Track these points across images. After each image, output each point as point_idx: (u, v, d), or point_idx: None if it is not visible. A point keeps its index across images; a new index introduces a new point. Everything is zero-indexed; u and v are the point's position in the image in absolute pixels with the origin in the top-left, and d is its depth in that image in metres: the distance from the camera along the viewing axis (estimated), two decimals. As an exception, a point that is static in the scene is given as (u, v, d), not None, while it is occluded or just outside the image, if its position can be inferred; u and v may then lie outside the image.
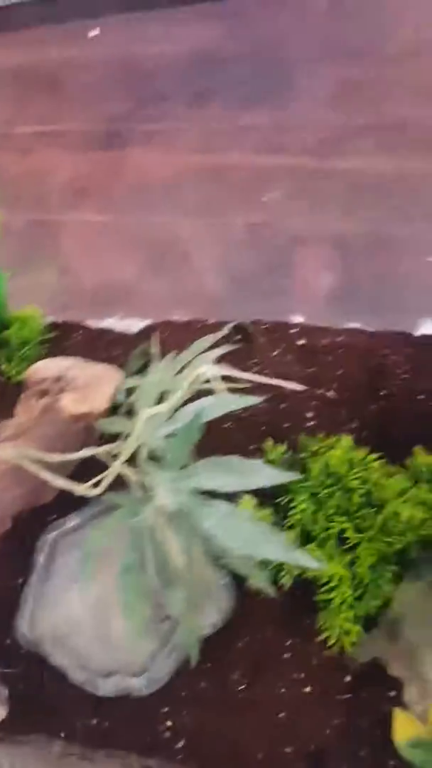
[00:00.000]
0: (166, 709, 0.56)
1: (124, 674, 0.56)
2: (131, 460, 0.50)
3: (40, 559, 0.61)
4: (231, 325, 0.65)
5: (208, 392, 0.56)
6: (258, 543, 0.41)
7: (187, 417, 0.48)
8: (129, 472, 0.49)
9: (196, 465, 0.43)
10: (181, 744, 0.55)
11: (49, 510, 0.63)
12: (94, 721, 0.57)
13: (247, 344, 0.67)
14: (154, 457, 0.47)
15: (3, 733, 0.56)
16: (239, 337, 0.67)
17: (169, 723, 0.55)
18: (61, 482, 0.51)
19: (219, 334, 0.53)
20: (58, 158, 0.82)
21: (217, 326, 0.67)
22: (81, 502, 0.62)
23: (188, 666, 0.56)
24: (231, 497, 0.46)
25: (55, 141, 0.83)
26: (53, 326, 0.69)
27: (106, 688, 0.56)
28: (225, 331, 0.56)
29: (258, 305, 0.73)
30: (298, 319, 0.72)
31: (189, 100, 0.92)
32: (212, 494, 0.44)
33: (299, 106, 0.92)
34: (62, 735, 0.57)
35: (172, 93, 0.93)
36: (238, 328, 0.68)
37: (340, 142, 0.87)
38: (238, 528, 0.41)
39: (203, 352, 0.53)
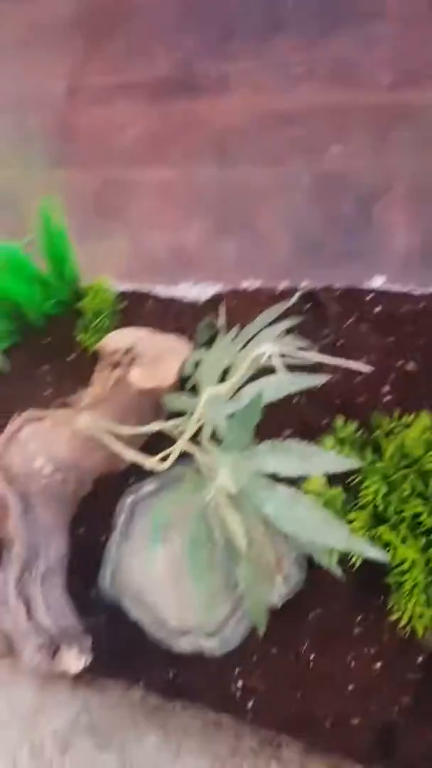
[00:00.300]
0: (237, 670, 0.58)
1: (198, 634, 0.58)
2: (195, 438, 0.49)
3: (120, 520, 0.64)
4: (300, 293, 0.62)
5: (272, 370, 0.54)
6: (320, 530, 0.40)
7: (249, 397, 0.47)
8: (193, 450, 0.49)
9: (256, 448, 0.42)
10: (250, 704, 0.57)
11: (127, 474, 0.65)
12: (171, 675, 0.60)
13: (318, 313, 0.63)
14: (216, 437, 0.46)
15: (87, 678, 0.61)
16: (309, 305, 0.63)
17: (240, 683, 0.58)
18: (131, 455, 0.52)
19: (287, 304, 0.51)
20: (128, 110, 0.79)
21: (286, 294, 0.63)
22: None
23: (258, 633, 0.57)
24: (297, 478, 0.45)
25: (125, 92, 0.79)
26: (124, 296, 0.69)
27: (182, 645, 0.59)
28: (294, 300, 0.53)
29: (330, 269, 0.67)
30: (374, 283, 0.66)
31: (259, 41, 0.84)
32: (276, 476, 0.43)
33: (376, 39, 0.81)
34: (141, 684, 0.61)
35: (242, 33, 0.85)
36: (309, 296, 0.64)
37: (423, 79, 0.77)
38: (299, 515, 0.40)
39: (270, 324, 0.50)
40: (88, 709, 0.63)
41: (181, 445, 0.47)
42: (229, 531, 0.47)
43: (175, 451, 0.48)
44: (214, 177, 0.77)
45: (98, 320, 0.65)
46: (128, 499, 0.65)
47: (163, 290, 0.69)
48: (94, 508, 0.67)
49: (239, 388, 0.47)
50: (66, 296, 0.67)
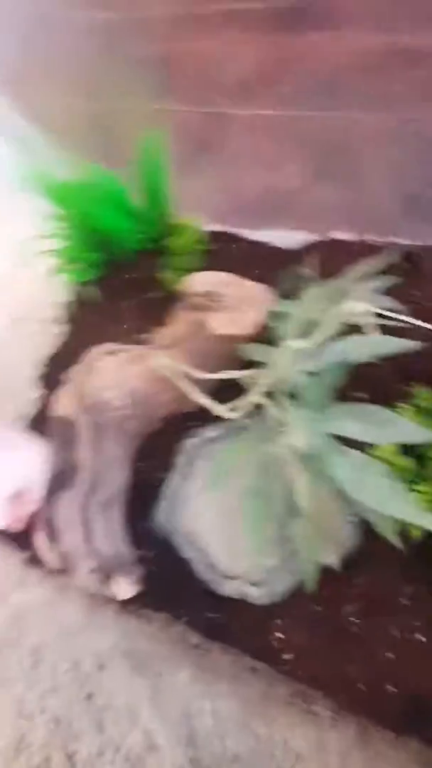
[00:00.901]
0: (278, 622, 0.59)
1: (244, 581, 0.59)
2: (269, 391, 0.48)
3: (180, 461, 0.65)
4: (397, 249, 0.58)
5: (360, 329, 0.52)
6: (387, 500, 0.39)
7: (332, 356, 0.45)
8: (266, 403, 0.48)
9: (333, 409, 0.41)
10: (287, 656, 0.58)
11: (192, 417, 0.65)
12: (213, 616, 0.61)
13: (412, 272, 0.59)
14: (292, 393, 0.45)
15: (133, 607, 0.63)
16: (407, 264, 0.59)
17: (279, 635, 0.58)
18: (201, 399, 0.52)
19: (383, 260, 0.48)
20: (235, 42, 0.74)
21: (381, 249, 0.59)
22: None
23: (305, 589, 0.57)
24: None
25: (233, 22, 0.74)
26: (212, 236, 0.67)
27: (227, 589, 0.60)
28: (391, 257, 0.49)
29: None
30: None
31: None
32: (348, 440, 0.41)
33: None
34: (184, 620, 0.63)
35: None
36: (408, 255, 0.60)
37: None
38: (369, 481, 0.39)
39: (362, 280, 0.48)
40: (129, 635, 0.65)
41: (254, 396, 0.46)
42: (291, 486, 0.46)
43: (246, 401, 0.47)
44: (320, 119, 0.72)
45: (182, 259, 0.64)
46: (190, 442, 0.66)
47: (251, 234, 0.67)
48: (157, 446, 0.68)
49: (323, 344, 0.45)
50: (156, 232, 0.66)
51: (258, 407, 0.49)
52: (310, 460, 0.43)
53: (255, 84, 0.73)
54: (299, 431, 0.42)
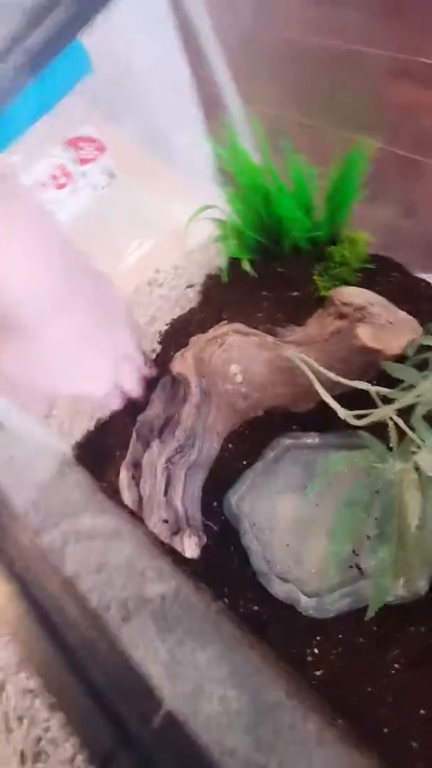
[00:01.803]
0: (318, 638, 0.58)
1: (299, 588, 0.59)
2: (402, 411, 0.49)
3: (270, 455, 0.66)
4: None
5: None
6: None
7: None
8: (398, 421, 0.48)
9: (473, 446, 0.41)
10: (318, 672, 0.57)
11: (296, 419, 0.66)
12: (256, 608, 0.62)
13: None
14: (429, 419, 0.45)
15: (186, 569, 0.64)
16: None
17: (316, 650, 0.58)
18: (329, 399, 0.52)
19: None
20: None
21: None
22: (322, 426, 0.65)
23: (357, 616, 0.56)
24: None
25: None
26: (375, 258, 0.69)
27: (278, 590, 0.60)
28: None
29: None
30: None
31: None
32: None
33: None
34: (225, 602, 0.63)
35: None
36: None
37: None
38: None
39: None
40: (168, 597, 0.66)
41: (388, 410, 0.47)
42: (398, 510, 0.46)
43: (378, 414, 0.48)
44: None
45: (340, 269, 0.66)
46: (286, 441, 0.66)
47: (414, 270, 0.68)
48: (252, 433, 0.69)
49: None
50: (324, 236, 0.68)
51: (383, 424, 0.50)
52: (429, 487, 0.43)
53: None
54: (429, 456, 0.42)
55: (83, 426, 0.79)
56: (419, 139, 0.78)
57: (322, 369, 0.55)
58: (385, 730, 0.52)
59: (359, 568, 0.58)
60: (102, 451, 0.76)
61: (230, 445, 0.69)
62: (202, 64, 0.89)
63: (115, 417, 0.78)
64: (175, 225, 0.82)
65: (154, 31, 0.90)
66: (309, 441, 0.66)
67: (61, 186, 0.95)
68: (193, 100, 0.93)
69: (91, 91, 0.86)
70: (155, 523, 0.60)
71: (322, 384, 0.55)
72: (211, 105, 0.89)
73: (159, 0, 0.87)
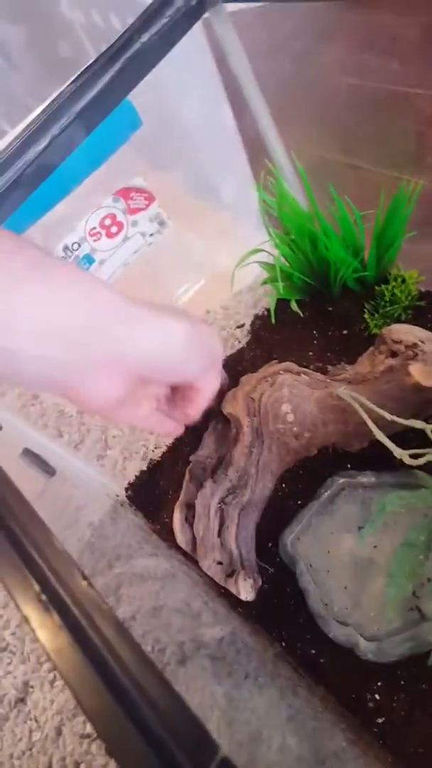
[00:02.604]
0: (380, 684, 0.59)
1: (358, 631, 0.60)
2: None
3: (325, 494, 0.67)
4: None
5: None
6: None
7: None
8: (454, 460, 0.50)
9: None
10: (380, 720, 0.57)
11: (350, 458, 0.68)
12: (313, 652, 0.62)
13: None
14: None
15: (242, 612, 0.66)
16: None
17: (377, 696, 0.58)
18: (383, 438, 0.54)
19: None
20: None
21: None
22: (376, 465, 0.66)
23: (419, 661, 0.57)
24: None
25: None
26: (425, 295, 0.71)
27: (337, 633, 0.61)
28: None
29: None
30: None
31: None
32: None
33: None
34: (283, 645, 0.64)
35: None
36: None
37: None
38: None
39: None
40: (224, 640, 0.68)
41: (444, 449, 0.48)
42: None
43: (434, 452, 0.49)
44: None
45: (391, 308, 0.68)
46: (341, 480, 0.68)
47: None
48: (305, 472, 0.71)
49: None
50: (372, 276, 0.71)
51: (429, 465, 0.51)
52: None
53: None
54: None
55: (136, 466, 0.83)
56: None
57: (374, 407, 0.57)
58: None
59: (420, 611, 0.59)
60: (155, 491, 0.79)
61: (284, 485, 0.72)
62: (245, 112, 0.95)
63: (167, 457, 0.81)
64: (223, 268, 0.87)
65: (200, 84, 0.97)
66: (364, 480, 0.67)
67: (112, 235, 1.03)
68: (239, 148, 0.99)
69: (142, 144, 0.93)
70: (210, 564, 0.63)
71: (375, 422, 0.57)
72: (256, 152, 0.94)
73: (204, 55, 0.94)
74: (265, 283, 0.79)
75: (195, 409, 0.54)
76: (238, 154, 0.98)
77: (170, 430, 0.58)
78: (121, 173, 1.12)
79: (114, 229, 1.02)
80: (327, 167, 0.83)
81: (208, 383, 0.51)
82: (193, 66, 0.96)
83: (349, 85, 0.87)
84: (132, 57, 0.67)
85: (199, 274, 0.96)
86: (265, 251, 0.74)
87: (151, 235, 1.01)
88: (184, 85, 0.99)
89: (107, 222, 1.04)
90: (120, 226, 1.02)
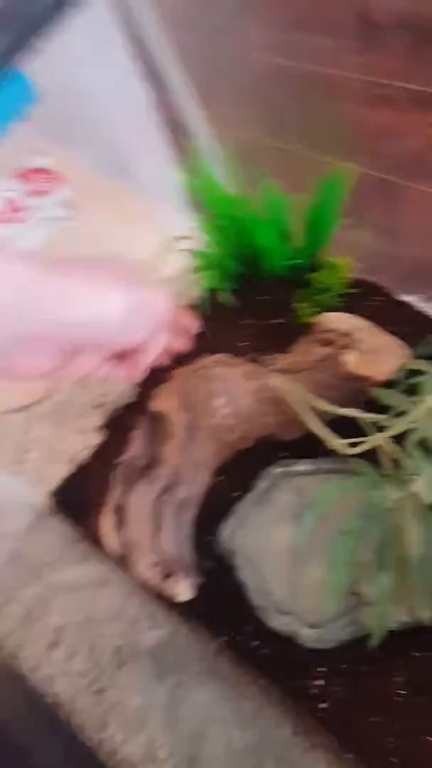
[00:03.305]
0: (321, 670, 0.61)
1: (298, 619, 0.62)
2: (395, 438, 0.53)
3: (262, 485, 0.69)
4: None
5: None
6: None
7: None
8: (391, 448, 0.52)
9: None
10: (324, 705, 0.60)
11: (286, 448, 0.70)
12: (255, 644, 0.64)
13: None
14: (424, 446, 0.49)
15: (179, 611, 0.66)
16: None
17: (320, 682, 0.61)
18: (319, 428, 0.56)
19: None
20: (426, 124, 0.83)
21: None
22: (312, 454, 0.68)
23: (359, 645, 0.60)
24: None
25: (429, 108, 0.82)
26: (357, 283, 0.73)
27: (277, 622, 0.63)
28: None
29: None
30: None
31: None
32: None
33: None
34: (224, 639, 0.65)
35: None
36: None
37: None
38: None
39: None
40: (163, 641, 0.68)
41: (380, 438, 0.51)
42: (399, 536, 0.50)
43: (371, 441, 0.52)
44: None
45: (322, 295, 0.70)
46: (277, 470, 0.70)
47: (397, 293, 0.73)
48: (241, 464, 0.73)
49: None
50: (304, 263, 0.72)
51: (373, 451, 0.54)
52: (427, 514, 0.47)
53: (425, 165, 0.81)
54: (426, 483, 0.46)
55: (58, 471, 0.80)
56: (398, 163, 0.83)
57: (309, 397, 0.59)
58: (394, 760, 0.56)
59: (359, 596, 0.62)
60: (82, 496, 0.77)
61: (221, 479, 0.72)
62: (165, 89, 0.93)
63: (94, 459, 0.79)
64: (144, 256, 0.85)
65: (107, 54, 0.94)
66: (300, 469, 0.69)
67: (11, 221, 0.97)
68: (156, 126, 0.97)
69: (47, 122, 0.89)
70: (145, 568, 0.62)
71: (315, 412, 0.59)
72: (176, 130, 0.93)
73: (111, 25, 0.90)
74: (192, 271, 0.78)
75: (137, 371, 0.56)
76: (155, 133, 0.96)
77: (123, 376, 0.59)
78: (23, 155, 1.06)
79: (14, 215, 0.97)
80: (255, 150, 0.84)
81: (151, 347, 0.53)
82: (97, 35, 0.92)
83: (277, 65, 0.87)
84: (18, 22, 0.63)
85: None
86: (191, 238, 0.73)
87: (61, 219, 0.98)
88: (89, 56, 0.94)
89: (4, 206, 0.99)
90: (21, 210, 0.97)
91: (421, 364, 0.58)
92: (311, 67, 0.86)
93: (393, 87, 0.80)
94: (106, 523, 0.68)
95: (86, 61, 0.93)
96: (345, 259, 0.71)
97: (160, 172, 0.94)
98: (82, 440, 0.81)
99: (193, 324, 0.63)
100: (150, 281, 0.49)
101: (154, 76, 0.94)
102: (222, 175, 0.78)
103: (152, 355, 0.54)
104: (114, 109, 0.97)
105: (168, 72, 0.94)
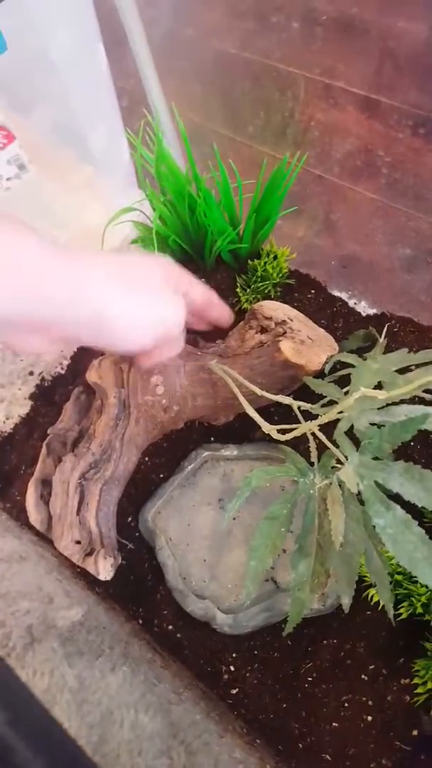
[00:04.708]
0: (234, 655, 0.60)
1: (215, 604, 0.60)
2: (323, 427, 0.51)
3: (188, 467, 0.66)
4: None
5: (426, 402, 0.56)
6: (419, 563, 0.41)
7: (399, 415, 0.48)
8: (320, 436, 0.51)
9: (390, 464, 0.44)
10: (234, 691, 0.58)
11: (215, 433, 0.68)
12: (171, 627, 0.62)
13: None
14: (351, 435, 0.48)
15: (98, 591, 0.63)
16: None
17: (232, 668, 0.59)
18: (253, 413, 0.54)
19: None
20: (367, 126, 0.82)
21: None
22: (240, 439, 0.67)
23: (272, 631, 0.58)
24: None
25: (371, 111, 0.82)
26: (294, 274, 0.72)
27: (193, 606, 0.60)
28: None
29: None
30: None
31: None
32: (395, 499, 0.44)
33: None
34: (140, 622, 0.63)
35: None
36: None
37: None
38: (407, 539, 0.42)
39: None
40: (76, 620, 0.65)
41: (310, 425, 0.49)
42: (318, 523, 0.49)
43: (302, 428, 0.50)
44: (416, 217, 0.79)
45: (262, 283, 0.68)
46: (204, 453, 0.67)
47: (331, 288, 0.72)
48: (169, 446, 0.70)
49: (390, 404, 0.49)
50: (246, 250, 0.70)
51: (300, 438, 0.52)
52: (351, 503, 0.46)
53: (367, 167, 0.81)
54: (350, 471, 0.45)
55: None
56: (339, 161, 0.83)
57: (245, 381, 0.56)
58: (300, 745, 0.55)
59: (275, 582, 0.60)
60: (5, 466, 0.72)
61: (147, 459, 0.69)
62: (125, 58, 0.88)
63: (20, 429, 0.74)
64: (89, 224, 0.80)
65: (74, 16, 0.88)
66: (227, 453, 0.67)
67: None
68: (112, 96, 0.92)
69: (2, 76, 0.82)
70: (66, 544, 0.59)
71: (244, 397, 0.57)
72: (133, 103, 0.88)
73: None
74: (135, 242, 0.75)
75: (146, 366, 0.55)
76: (110, 102, 0.91)
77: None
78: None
79: (-41, 168, 0.89)
80: (208, 134, 0.81)
81: (156, 355, 0.51)
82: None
83: (233, 53, 0.84)
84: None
85: (62, 230, 0.88)
86: (139, 210, 0.69)
87: (8, 179, 0.91)
88: (56, 15, 0.88)
89: None
90: (-32, 164, 0.90)
91: (350, 357, 0.57)
92: (264, 59, 0.84)
93: (340, 88, 0.80)
94: (31, 496, 0.64)
95: (53, 20, 0.87)
96: (284, 249, 0.69)
97: (113, 142, 0.89)
98: (7, 410, 0.75)
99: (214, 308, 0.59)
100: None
101: (117, 43, 0.89)
102: (175, 152, 0.75)
103: (159, 359, 0.52)
104: (72, 74, 0.91)
105: (134, 41, 0.89)
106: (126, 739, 0.59)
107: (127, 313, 0.42)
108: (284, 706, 0.56)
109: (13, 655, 0.63)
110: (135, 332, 0.44)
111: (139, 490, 0.66)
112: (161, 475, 0.69)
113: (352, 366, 0.56)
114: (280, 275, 0.69)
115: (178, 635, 0.60)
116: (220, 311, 0.59)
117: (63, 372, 0.77)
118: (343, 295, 0.71)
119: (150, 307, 0.44)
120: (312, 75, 0.83)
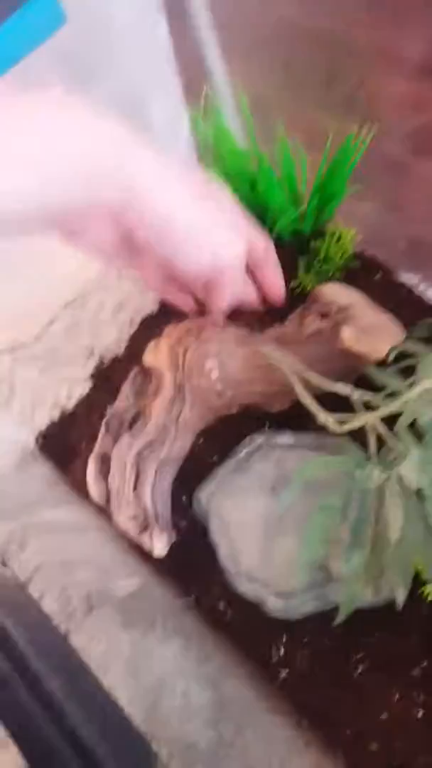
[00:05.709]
0: (285, 639, 0.59)
1: (265, 587, 0.60)
2: (383, 419, 0.49)
3: (242, 452, 0.66)
4: None
5: None
6: None
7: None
8: (380, 429, 0.48)
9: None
10: (284, 673, 0.58)
11: (270, 418, 0.66)
12: (222, 606, 0.62)
13: None
14: (414, 429, 0.46)
15: (153, 565, 0.64)
16: None
17: (282, 651, 0.59)
18: (310, 401, 0.52)
19: None
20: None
21: None
22: (295, 427, 0.65)
23: (323, 619, 0.57)
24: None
25: None
26: (359, 256, 0.68)
27: (245, 589, 0.60)
28: None
29: None
30: None
31: None
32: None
33: None
34: (192, 598, 0.63)
35: None
36: None
37: None
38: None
39: None
40: (134, 591, 0.66)
41: (371, 417, 0.47)
42: (376, 517, 0.47)
43: (361, 419, 0.48)
44: None
45: (325, 265, 0.65)
46: (259, 439, 0.66)
47: (399, 273, 0.68)
48: (224, 430, 0.69)
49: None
50: (308, 229, 0.67)
51: (358, 430, 0.50)
52: (410, 498, 0.44)
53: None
54: (411, 465, 0.43)
55: (46, 415, 0.76)
56: (409, 136, 0.77)
57: (301, 368, 0.54)
58: (348, 732, 0.54)
59: (328, 571, 0.59)
60: (67, 442, 0.74)
61: (202, 442, 0.69)
62: (187, 30, 0.85)
63: (81, 407, 0.76)
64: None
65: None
66: (282, 441, 0.66)
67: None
68: (173, 68, 0.89)
69: (62, 47, 0.81)
70: (124, 519, 0.60)
71: (307, 385, 0.55)
72: (193, 78, 0.85)
73: None
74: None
75: (216, 304, 0.54)
76: (170, 76, 0.88)
77: (181, 303, 0.57)
78: (38, 81, 0.97)
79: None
80: (271, 107, 0.77)
81: (219, 285, 0.50)
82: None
83: (301, 23, 0.79)
84: None
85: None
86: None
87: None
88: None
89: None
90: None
91: (416, 347, 0.53)
92: (334, 28, 0.78)
93: (411, 59, 0.74)
94: (91, 471, 0.65)
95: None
96: (350, 230, 0.65)
97: (173, 116, 0.86)
98: (69, 388, 0.77)
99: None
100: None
101: (179, 15, 0.86)
102: (236, 127, 0.72)
103: (228, 292, 0.51)
104: (133, 45, 0.88)
105: (195, 15, 0.86)
106: (176, 706, 0.60)
107: (191, 224, 0.42)
108: (333, 693, 0.55)
109: (72, 621, 0.65)
110: (192, 245, 0.43)
111: (193, 472, 0.66)
112: (214, 458, 0.68)
113: (418, 356, 0.52)
114: (345, 257, 0.66)
115: (229, 614, 0.61)
116: (274, 276, 0.56)
117: (121, 353, 0.77)
118: (411, 280, 0.67)
119: (212, 228, 0.44)
120: (382, 45, 0.77)
